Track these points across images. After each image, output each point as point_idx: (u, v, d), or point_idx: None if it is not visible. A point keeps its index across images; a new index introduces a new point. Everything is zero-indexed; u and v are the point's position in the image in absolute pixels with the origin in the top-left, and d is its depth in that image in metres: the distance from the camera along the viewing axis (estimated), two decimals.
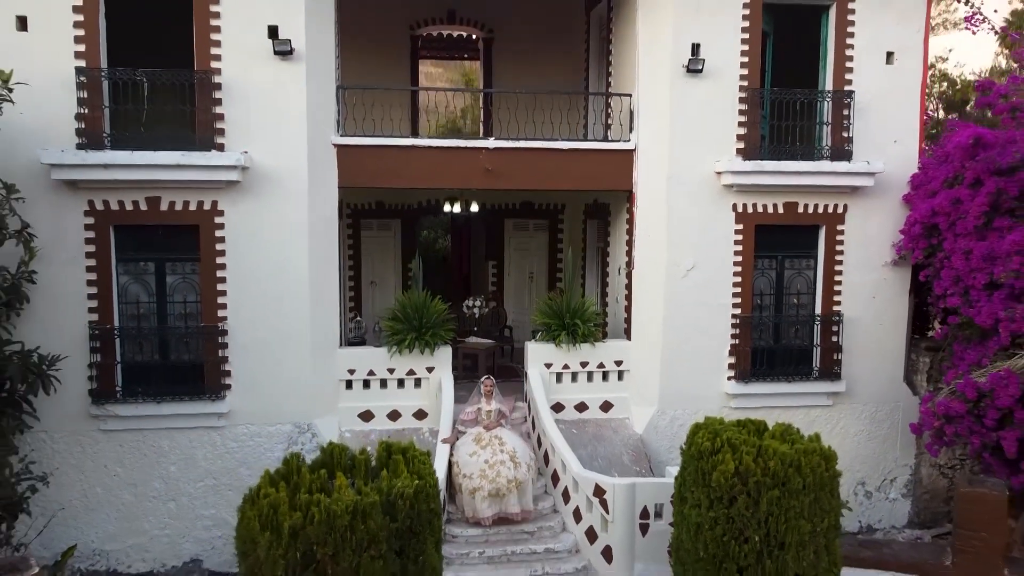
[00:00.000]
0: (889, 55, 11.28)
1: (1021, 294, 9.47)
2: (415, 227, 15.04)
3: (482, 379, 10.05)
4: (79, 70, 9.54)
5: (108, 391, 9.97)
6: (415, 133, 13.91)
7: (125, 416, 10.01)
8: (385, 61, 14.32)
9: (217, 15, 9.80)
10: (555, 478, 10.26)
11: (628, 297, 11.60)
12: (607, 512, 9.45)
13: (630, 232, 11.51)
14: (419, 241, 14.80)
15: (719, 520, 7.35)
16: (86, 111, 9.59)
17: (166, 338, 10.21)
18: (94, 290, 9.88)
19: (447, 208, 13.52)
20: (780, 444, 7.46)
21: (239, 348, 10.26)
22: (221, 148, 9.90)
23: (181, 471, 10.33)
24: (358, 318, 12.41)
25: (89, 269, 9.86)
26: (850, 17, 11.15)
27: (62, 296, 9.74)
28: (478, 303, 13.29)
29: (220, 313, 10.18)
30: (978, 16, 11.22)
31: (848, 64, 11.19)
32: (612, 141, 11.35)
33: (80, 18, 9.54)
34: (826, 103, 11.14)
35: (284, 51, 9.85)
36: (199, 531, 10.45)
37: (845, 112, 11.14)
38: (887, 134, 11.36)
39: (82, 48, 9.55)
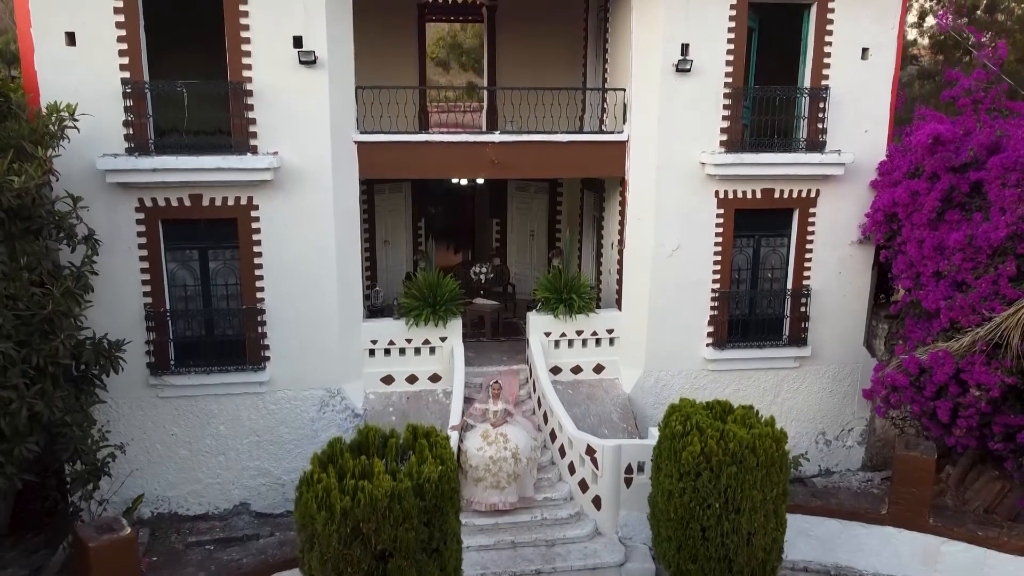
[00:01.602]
0: (864, 51, 12.19)
1: (961, 284, 10.79)
2: (424, 191, 16.16)
3: (490, 383, 11.15)
4: (124, 81, 10.54)
5: (163, 364, 11.44)
6: (423, 113, 14.81)
7: (178, 385, 11.52)
8: (392, 23, 15.03)
9: (247, 27, 10.71)
10: (553, 436, 11.88)
11: (619, 271, 12.92)
12: (597, 468, 11.10)
13: (622, 214, 12.71)
14: (430, 214, 15.83)
15: (687, 490, 8.94)
16: (132, 118, 10.65)
17: (212, 317, 11.61)
18: (147, 276, 11.19)
19: (454, 180, 14.64)
20: (740, 428, 8.97)
21: (276, 324, 11.67)
22: (255, 150, 11.00)
23: (229, 430, 11.91)
24: (377, 288, 13.74)
25: (142, 259, 11.14)
26: (830, 16, 12.00)
27: (120, 282, 11.05)
28: (484, 269, 14.58)
29: (258, 295, 11.53)
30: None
31: (826, 60, 12.11)
32: (607, 133, 12.41)
33: (123, 33, 10.44)
34: (804, 99, 12.14)
35: (308, 61, 10.82)
36: (246, 479, 12.12)
37: (821, 106, 12.15)
38: (859, 124, 12.39)
39: (126, 61, 10.51)
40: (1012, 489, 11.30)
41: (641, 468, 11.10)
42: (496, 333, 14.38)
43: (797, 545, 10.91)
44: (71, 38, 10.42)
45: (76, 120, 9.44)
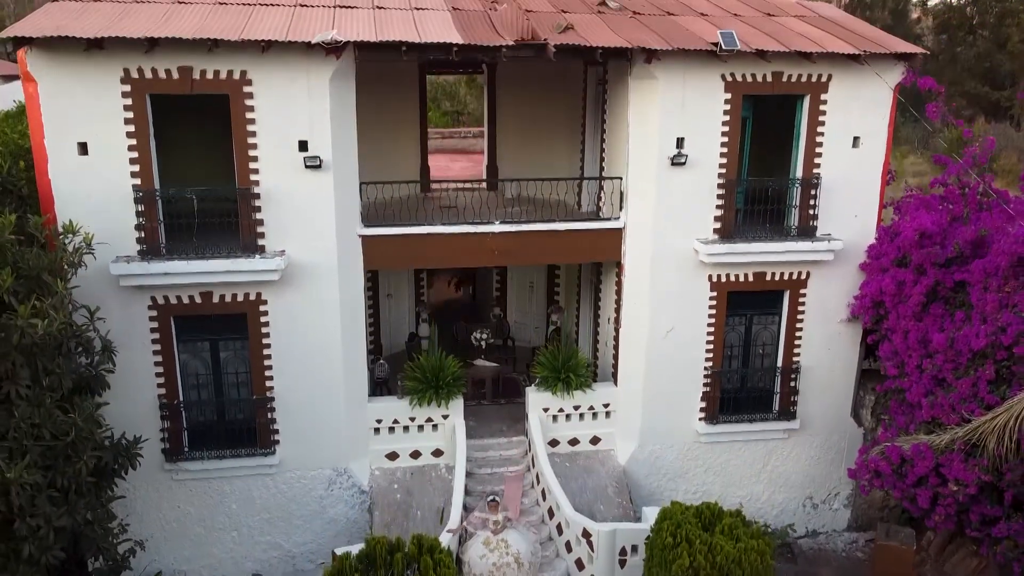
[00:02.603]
0: (856, 139, 12.49)
1: (943, 381, 11.24)
2: None
3: (488, 498, 11.30)
4: (135, 188, 10.88)
5: (177, 450, 11.94)
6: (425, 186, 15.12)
7: (192, 470, 12.03)
8: (393, 76, 15.26)
9: (254, 134, 11.02)
10: (551, 513, 12.42)
11: (615, 349, 13.36)
12: (592, 551, 11.67)
13: (619, 294, 13.11)
14: (431, 305, 16.19)
15: None
16: (144, 222, 11.01)
17: (223, 405, 12.09)
18: (160, 370, 11.65)
19: None
20: (727, 542, 9.50)
21: (285, 410, 12.14)
22: (262, 249, 11.37)
23: (241, 508, 12.45)
24: (381, 360, 14.18)
25: (155, 352, 11.58)
26: (822, 107, 12.28)
27: (135, 375, 11.48)
28: (484, 335, 15.01)
29: (267, 383, 11.99)
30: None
31: (818, 149, 12.42)
32: (604, 220, 12.75)
33: (133, 143, 10.75)
34: (795, 188, 12.48)
35: (314, 165, 11.15)
36: (258, 553, 12.69)
37: (812, 193, 12.49)
38: (849, 208, 12.74)
39: (136, 168, 10.83)
40: (988, 566, 11.86)
41: (635, 550, 11.67)
42: (496, 395, 14.85)
43: None
44: (83, 147, 10.73)
45: (93, 250, 9.79)
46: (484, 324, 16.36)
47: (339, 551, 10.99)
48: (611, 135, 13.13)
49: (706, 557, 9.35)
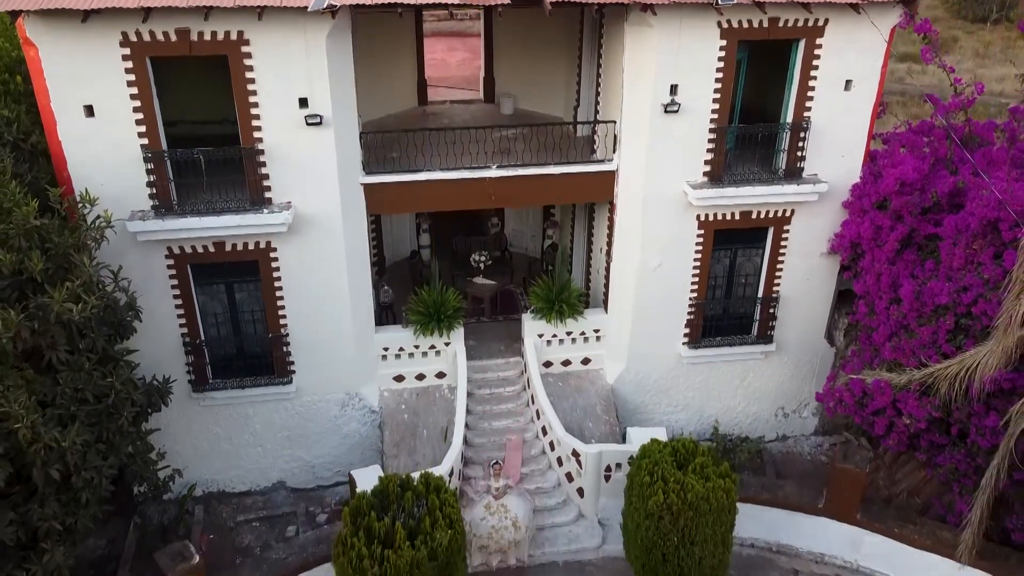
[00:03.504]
0: (848, 83, 12.62)
1: (906, 327, 12.12)
2: None
3: (492, 463, 12.15)
4: (144, 148, 11.24)
5: (202, 381, 13.05)
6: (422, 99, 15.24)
7: (217, 398, 13.19)
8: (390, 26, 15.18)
9: (254, 93, 11.22)
10: (544, 431, 13.74)
11: (606, 281, 14.16)
12: (581, 467, 13.07)
13: (610, 229, 13.73)
14: (431, 215, 16.57)
15: (651, 527, 10.87)
16: (155, 180, 11.47)
17: (242, 341, 13.05)
18: (181, 311, 12.51)
19: None
20: (697, 481, 10.74)
21: (299, 344, 13.12)
22: (269, 202, 11.89)
23: (263, 428, 13.74)
24: (385, 287, 14.97)
25: (175, 297, 12.39)
26: (816, 52, 12.32)
27: (158, 319, 12.34)
28: (483, 257, 15.72)
29: (281, 322, 12.89)
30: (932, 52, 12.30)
31: (810, 93, 12.58)
32: (597, 162, 13.12)
33: (137, 104, 11.00)
34: (784, 133, 12.76)
35: (315, 123, 11.44)
36: (281, 463, 14.13)
37: (801, 138, 12.79)
38: (837, 149, 13.07)
39: (143, 129, 11.15)
40: (932, 480, 13.29)
41: (619, 467, 13.08)
42: (494, 311, 15.82)
43: (747, 527, 13.00)
44: (89, 110, 10.99)
45: (112, 225, 10.34)
46: (482, 235, 17.05)
47: (355, 472, 12.44)
48: (606, 78, 13.23)
49: (678, 495, 10.63)
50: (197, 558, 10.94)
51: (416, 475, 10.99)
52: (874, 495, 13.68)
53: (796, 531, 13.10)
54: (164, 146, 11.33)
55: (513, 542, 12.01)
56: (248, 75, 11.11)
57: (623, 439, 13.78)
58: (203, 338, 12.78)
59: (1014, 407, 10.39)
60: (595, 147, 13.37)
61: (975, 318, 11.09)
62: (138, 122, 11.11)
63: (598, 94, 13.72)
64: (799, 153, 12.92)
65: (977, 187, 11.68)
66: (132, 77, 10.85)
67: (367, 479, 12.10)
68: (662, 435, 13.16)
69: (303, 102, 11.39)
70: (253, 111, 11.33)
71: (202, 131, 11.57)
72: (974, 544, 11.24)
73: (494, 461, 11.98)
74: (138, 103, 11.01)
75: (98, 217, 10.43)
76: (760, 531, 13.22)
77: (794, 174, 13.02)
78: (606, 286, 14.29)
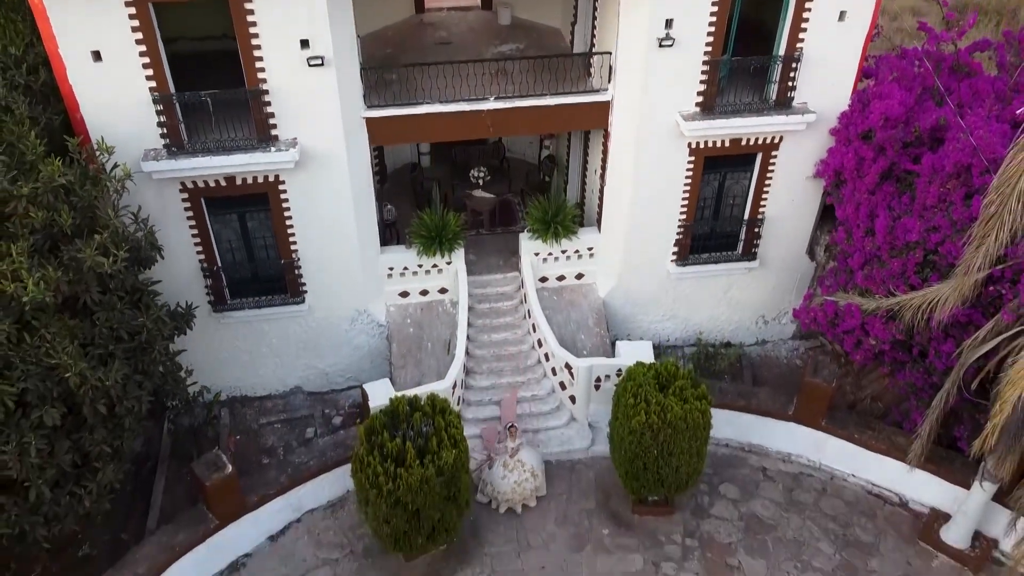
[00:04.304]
0: (842, 13, 12.72)
1: (878, 258, 12.89)
2: None
3: (507, 426, 13.02)
4: (152, 90, 11.60)
5: (221, 301, 13.99)
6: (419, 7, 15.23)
7: (235, 316, 14.18)
8: None
9: (256, 35, 11.44)
10: (540, 343, 14.83)
11: (600, 203, 14.79)
12: (573, 378, 14.28)
13: (605, 154, 14.22)
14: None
15: (634, 441, 12.15)
16: (165, 121, 11.90)
17: (256, 267, 13.86)
18: (198, 240, 13.26)
19: None
20: (676, 403, 11.90)
21: (309, 267, 13.95)
22: (276, 139, 12.36)
23: (280, 340, 14.82)
24: (388, 206, 15.59)
25: (191, 227, 13.10)
26: None
27: (176, 247, 13.09)
28: (482, 172, 16.25)
29: (292, 247, 13.66)
30: None
31: (803, 25, 12.71)
32: (592, 92, 13.42)
33: (143, 48, 11.26)
34: (777, 65, 12.99)
35: (316, 64, 11.73)
36: (298, 371, 15.33)
37: (793, 68, 13.03)
38: (827, 78, 13.32)
39: (150, 73, 11.47)
40: (893, 388, 14.52)
41: (607, 378, 14.28)
42: (493, 223, 16.56)
43: (723, 429, 14.35)
44: (97, 55, 11.26)
45: (131, 177, 10.90)
46: (481, 144, 17.46)
47: (367, 386, 13.62)
48: (602, 7, 13.27)
49: (659, 415, 11.83)
50: (230, 468, 12.28)
51: (424, 396, 12.16)
52: (841, 401, 14.98)
53: (767, 433, 14.46)
54: (172, 89, 11.68)
55: (534, 489, 13.09)
56: (250, 18, 11.29)
57: (613, 349, 14.90)
58: (220, 264, 13.61)
59: (966, 342, 11.38)
60: (591, 72, 13.61)
61: (941, 256, 11.87)
62: (145, 66, 11.41)
63: (595, 9, 13.77)
64: (790, 83, 13.22)
65: (958, 127, 12.12)
66: (136, 23, 11.05)
67: (378, 392, 13.34)
68: (648, 349, 14.26)
69: (304, 43, 11.63)
70: (256, 53, 11.60)
71: (207, 73, 11.82)
72: (922, 452, 12.54)
73: (509, 424, 12.86)
74: (143, 48, 11.26)
75: (116, 166, 10.98)
76: (734, 433, 14.59)
77: (784, 104, 13.37)
78: (600, 207, 14.94)
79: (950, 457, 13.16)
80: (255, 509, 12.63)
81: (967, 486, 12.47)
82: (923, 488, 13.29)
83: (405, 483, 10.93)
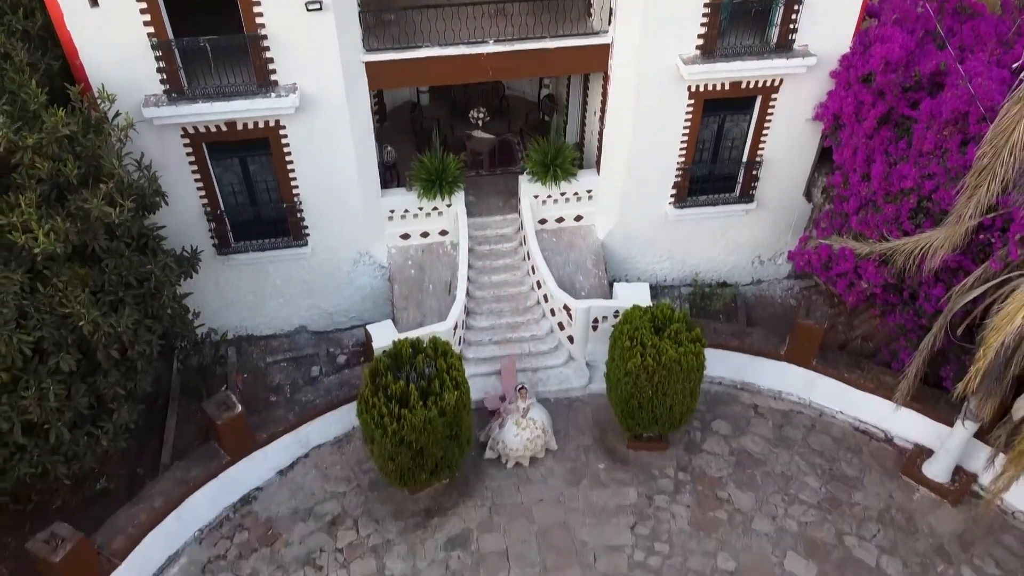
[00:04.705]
0: None
1: (873, 203, 13.04)
2: None
3: (519, 387, 13.30)
4: (150, 36, 11.55)
5: (225, 244, 14.21)
6: None
7: (240, 258, 14.42)
8: None
9: None
10: (539, 284, 15.12)
11: (599, 145, 14.84)
12: (571, 319, 14.62)
13: (604, 95, 14.20)
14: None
15: (630, 382, 12.56)
16: (164, 66, 11.88)
17: (259, 210, 14.03)
18: (200, 185, 13.39)
19: None
20: (671, 346, 12.26)
21: (311, 211, 14.12)
22: (276, 85, 12.36)
23: (284, 282, 15.09)
24: (388, 148, 15.61)
25: (193, 172, 13.21)
26: None
27: (179, 191, 13.21)
28: (481, 114, 16.22)
29: (294, 191, 13.80)
30: None
31: None
32: (592, 35, 13.31)
33: None
34: (778, 8, 12.86)
35: (315, 8, 11.64)
36: (302, 311, 15.65)
37: (794, 12, 12.91)
38: (829, 18, 13.20)
39: (148, 18, 11.41)
40: (883, 328, 14.89)
41: (605, 319, 14.62)
42: (493, 164, 16.62)
43: (716, 368, 14.76)
44: (93, 0, 11.17)
45: (134, 127, 10.96)
46: (480, 83, 17.34)
47: (371, 328, 13.98)
48: None
49: (654, 358, 12.21)
50: (239, 407, 12.72)
51: (426, 339, 12.52)
52: (832, 340, 15.35)
53: (759, 372, 14.89)
54: (170, 35, 11.63)
55: (544, 444, 13.48)
56: None
57: (611, 290, 15.20)
58: (223, 208, 13.77)
59: (955, 288, 11.67)
60: (591, 12, 13.48)
61: (935, 203, 12.03)
62: (142, 11, 11.34)
63: None
64: (791, 26, 13.12)
65: (957, 73, 12.11)
66: None
67: (381, 334, 13.71)
68: (645, 291, 14.57)
69: None
70: None
71: (205, 19, 11.75)
72: (909, 391, 12.96)
73: (520, 386, 13.19)
74: None
75: (117, 114, 11.05)
76: (727, 371, 15.01)
77: (785, 47, 13.30)
78: (599, 149, 15.00)
79: (935, 396, 13.59)
80: (264, 446, 13.14)
81: (950, 424, 12.94)
82: (908, 425, 13.78)
83: (409, 423, 11.38)
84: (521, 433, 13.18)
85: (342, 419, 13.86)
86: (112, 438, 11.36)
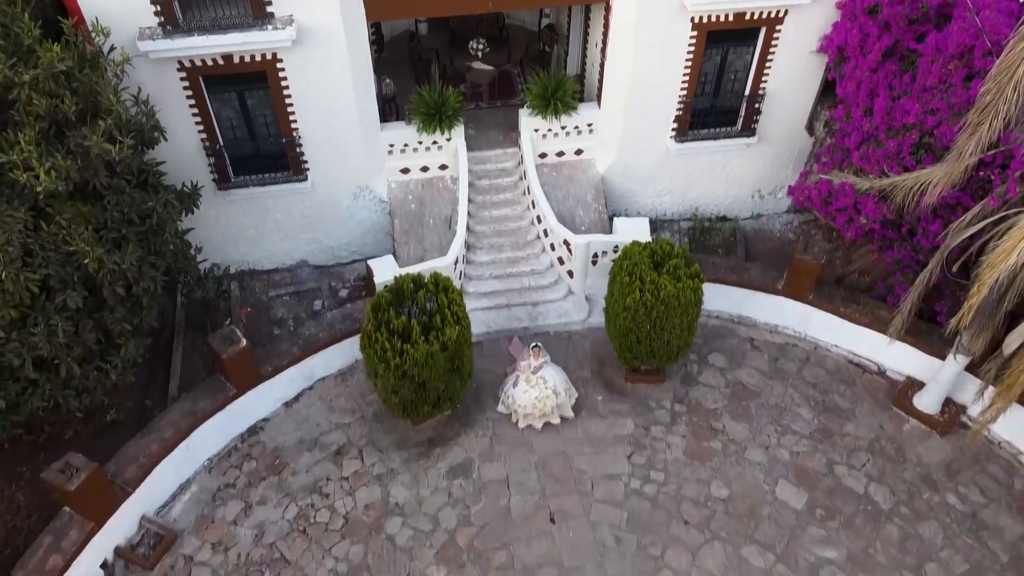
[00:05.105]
0: None
1: (875, 138, 12.98)
2: None
3: (531, 346, 12.86)
4: None
5: (225, 179, 14.20)
6: None
7: (240, 193, 14.43)
8: None
9: None
10: (539, 219, 15.17)
11: (601, 75, 14.66)
12: (571, 254, 14.73)
13: (606, 28, 13.97)
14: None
15: (628, 317, 12.74)
16: None
17: (258, 145, 13.96)
18: (199, 119, 13.30)
19: None
20: (670, 282, 12.39)
21: (311, 145, 14.05)
22: (272, 17, 12.15)
23: (284, 216, 15.13)
24: (387, 80, 15.41)
25: (191, 106, 13.10)
26: None
27: (177, 126, 13.10)
28: (481, 45, 15.95)
29: (293, 126, 13.71)
30: None
31: None
32: None
33: None
34: None
35: None
36: (303, 245, 15.73)
37: None
38: None
39: None
40: (880, 263, 15.00)
41: (605, 253, 14.73)
42: (493, 96, 16.45)
43: (715, 301, 14.93)
44: None
45: (130, 61, 10.81)
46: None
47: (372, 262, 14.10)
48: None
49: (652, 293, 12.36)
50: (244, 341, 12.93)
51: (427, 274, 12.65)
52: (829, 274, 15.50)
53: (756, 306, 15.07)
54: None
55: (556, 406, 13.15)
56: None
57: (611, 224, 15.25)
58: (221, 143, 13.70)
59: (952, 224, 11.73)
60: None
61: (936, 138, 11.99)
62: None
63: None
64: None
65: (964, 5, 11.90)
66: None
67: (382, 269, 13.83)
68: (645, 226, 14.60)
69: None
70: None
71: None
72: (903, 325, 13.17)
73: (534, 344, 12.88)
74: None
75: (112, 48, 10.90)
76: (725, 305, 15.19)
77: None
78: (600, 82, 14.84)
79: (928, 330, 13.80)
80: (270, 379, 13.41)
81: (942, 357, 13.19)
82: (901, 358, 14.02)
83: (411, 358, 11.61)
84: (530, 391, 12.83)
85: (345, 352, 14.10)
86: (120, 372, 11.60)
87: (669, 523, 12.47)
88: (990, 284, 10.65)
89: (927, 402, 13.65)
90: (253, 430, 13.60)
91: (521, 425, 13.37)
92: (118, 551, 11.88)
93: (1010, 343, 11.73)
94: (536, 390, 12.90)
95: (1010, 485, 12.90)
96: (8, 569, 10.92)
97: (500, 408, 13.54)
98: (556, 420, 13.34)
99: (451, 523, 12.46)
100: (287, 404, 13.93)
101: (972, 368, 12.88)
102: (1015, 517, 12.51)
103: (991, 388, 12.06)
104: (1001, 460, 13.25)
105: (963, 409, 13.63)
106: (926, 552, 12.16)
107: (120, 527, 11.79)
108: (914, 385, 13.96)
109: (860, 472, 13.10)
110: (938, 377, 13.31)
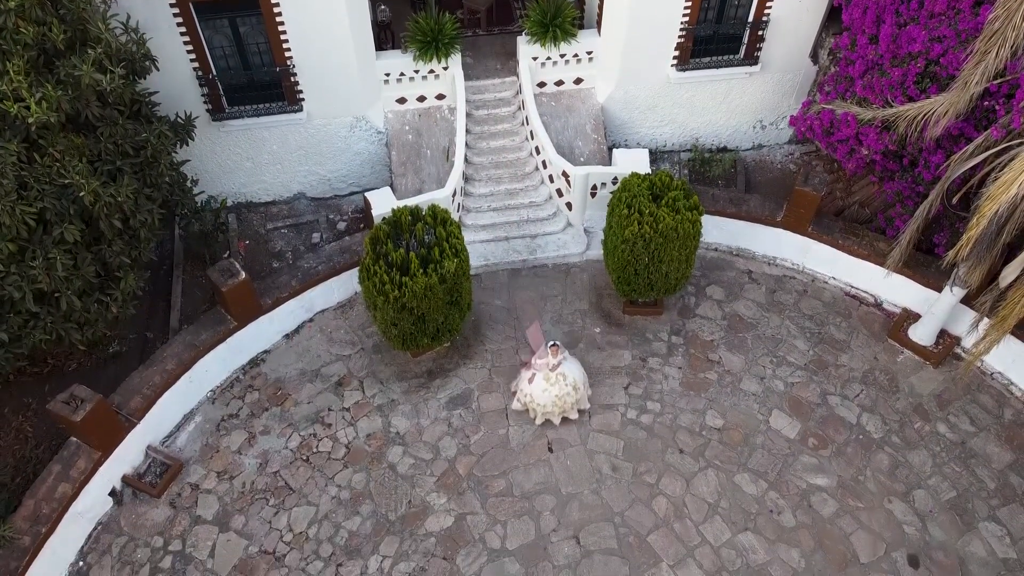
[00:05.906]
0: None
1: (879, 67, 12.73)
2: None
3: (550, 344, 12.13)
4: None
5: (219, 110, 13.99)
6: None
7: (234, 124, 14.23)
8: None
9: None
10: (537, 151, 15.01)
11: (600, 4, 14.29)
12: (570, 186, 14.64)
13: None
14: None
15: (627, 250, 12.74)
16: None
17: (252, 74, 13.68)
18: (191, 47, 13.01)
19: None
20: (668, 214, 12.35)
21: (305, 74, 13.80)
22: None
23: (280, 147, 14.96)
24: (382, 6, 15.01)
25: (183, 34, 12.81)
26: None
27: (170, 55, 12.86)
28: None
29: (287, 54, 13.43)
30: None
31: None
32: None
33: None
34: None
35: None
36: (300, 177, 15.60)
37: None
38: None
39: None
40: (880, 195, 14.93)
41: (604, 185, 14.64)
42: (490, 23, 16.09)
43: (713, 233, 14.95)
44: None
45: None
46: None
47: (369, 195, 14.02)
48: None
49: (651, 225, 12.33)
50: (243, 274, 12.95)
51: (425, 207, 12.59)
52: (830, 205, 15.44)
53: (755, 238, 15.05)
54: None
55: (576, 401, 12.73)
56: None
57: (610, 155, 15.11)
58: (215, 72, 13.44)
59: (954, 156, 11.61)
60: None
61: (942, 67, 11.77)
62: None
63: None
64: None
65: None
66: None
67: (380, 201, 13.75)
68: (644, 157, 14.47)
69: None
70: None
71: None
72: (901, 258, 13.18)
73: (552, 342, 12.25)
74: None
75: None
76: (724, 238, 15.18)
77: None
78: (600, 8, 14.47)
79: (926, 262, 13.83)
80: (270, 311, 13.48)
81: (939, 289, 13.25)
82: (898, 290, 14.09)
83: (410, 291, 11.66)
84: (550, 389, 12.32)
85: (344, 285, 14.16)
86: (121, 305, 11.65)
87: (664, 452, 12.74)
88: (990, 216, 10.62)
89: (922, 333, 13.77)
90: (255, 362, 13.76)
91: (539, 421, 12.79)
92: (126, 479, 12.16)
93: (1007, 275, 11.76)
94: (556, 387, 12.33)
95: (1000, 415, 13.14)
96: (20, 496, 11.19)
97: (515, 405, 12.97)
98: (574, 415, 12.89)
99: (451, 452, 12.72)
100: (288, 336, 14.05)
101: (968, 300, 12.96)
102: (1003, 446, 12.78)
103: (986, 320, 12.15)
104: (992, 390, 13.46)
105: (957, 341, 13.76)
106: (915, 479, 12.46)
107: (126, 457, 12.04)
108: (910, 317, 14.07)
109: (853, 402, 13.32)
110: (934, 309, 13.39)
